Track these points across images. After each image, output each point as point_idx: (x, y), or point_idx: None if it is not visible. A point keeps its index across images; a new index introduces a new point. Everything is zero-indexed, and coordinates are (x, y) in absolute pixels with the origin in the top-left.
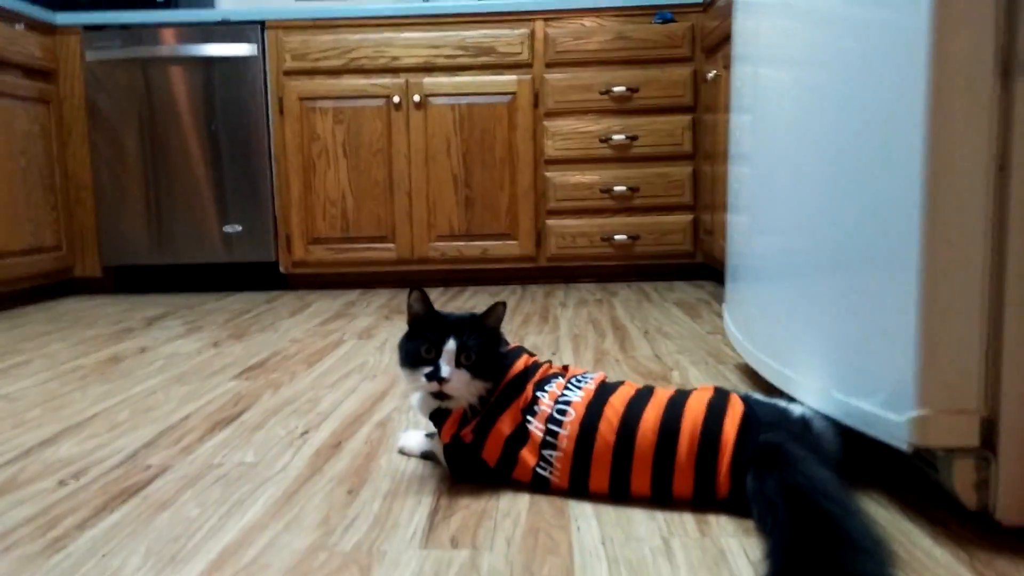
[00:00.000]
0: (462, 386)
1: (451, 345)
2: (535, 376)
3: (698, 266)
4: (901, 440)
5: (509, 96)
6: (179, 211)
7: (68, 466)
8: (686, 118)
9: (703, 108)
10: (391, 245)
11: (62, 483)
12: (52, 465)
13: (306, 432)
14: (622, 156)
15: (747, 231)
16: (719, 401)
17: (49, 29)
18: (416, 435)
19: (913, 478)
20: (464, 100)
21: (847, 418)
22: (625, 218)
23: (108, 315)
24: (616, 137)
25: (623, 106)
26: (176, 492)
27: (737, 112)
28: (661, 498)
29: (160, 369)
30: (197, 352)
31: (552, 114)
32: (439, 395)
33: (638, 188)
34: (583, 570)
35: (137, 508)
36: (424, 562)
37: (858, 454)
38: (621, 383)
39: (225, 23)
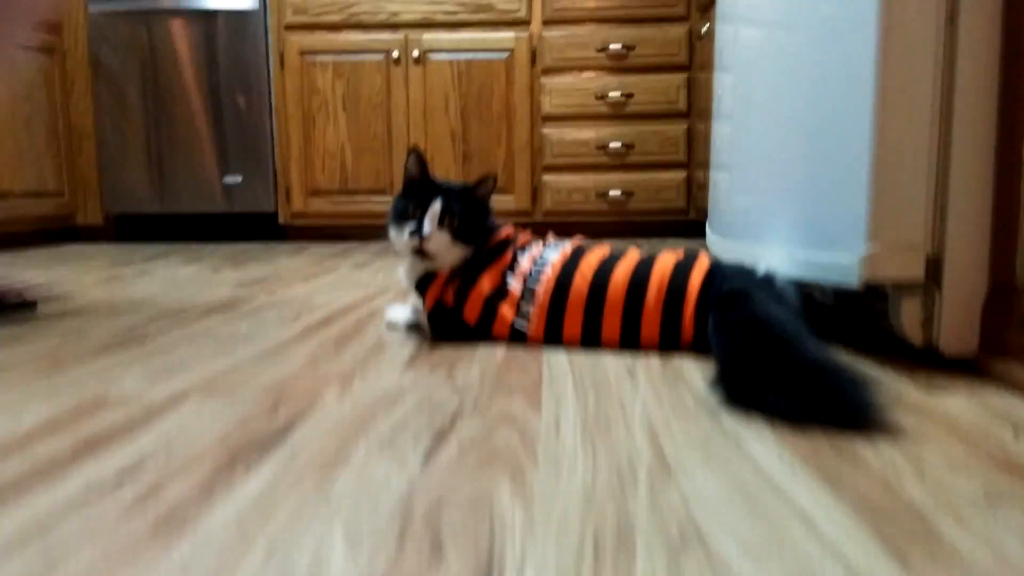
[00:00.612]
0: (442, 246)
1: (437, 206)
2: (517, 243)
3: (691, 222)
4: (854, 278)
5: (507, 53)
6: (180, 161)
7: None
8: (681, 76)
9: (698, 67)
10: (389, 198)
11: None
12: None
13: (298, 316)
14: (618, 113)
15: (728, 151)
16: (687, 258)
17: None
18: (402, 308)
19: (865, 337)
20: (463, 56)
21: (807, 272)
22: (620, 174)
23: (109, 254)
24: (612, 94)
25: (619, 64)
26: (170, 344)
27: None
28: (630, 344)
29: (158, 283)
30: (195, 273)
31: (549, 71)
32: (420, 253)
33: (633, 145)
34: (550, 383)
35: (132, 352)
36: (402, 378)
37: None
38: (597, 247)
39: None
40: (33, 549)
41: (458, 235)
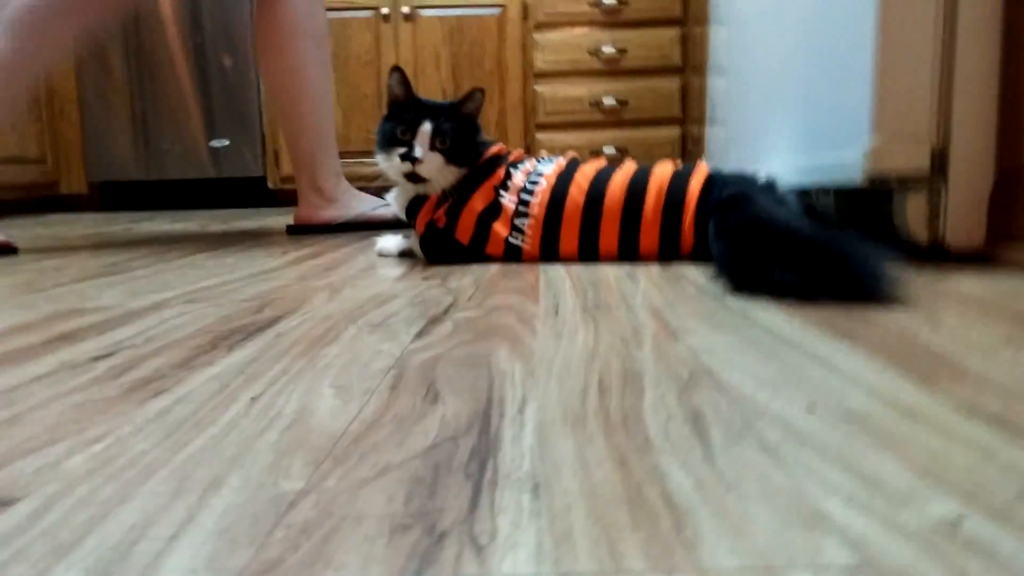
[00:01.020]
0: (435, 169)
1: (427, 127)
2: (509, 158)
3: None
4: (858, 174)
5: (498, 8)
6: (165, 126)
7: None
8: (675, 31)
9: (692, 21)
10: None
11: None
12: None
13: (286, 252)
14: (611, 69)
15: (726, 90)
16: (685, 166)
17: None
18: (393, 237)
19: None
20: (453, 12)
21: (810, 176)
22: (614, 131)
23: (93, 219)
24: (606, 50)
25: (612, 18)
26: (154, 273)
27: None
28: (628, 256)
29: (144, 239)
30: (183, 228)
31: (542, 26)
32: (412, 176)
33: (627, 102)
34: (547, 285)
35: (112, 279)
36: (394, 285)
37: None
38: (592, 160)
39: None
40: None
41: (451, 156)
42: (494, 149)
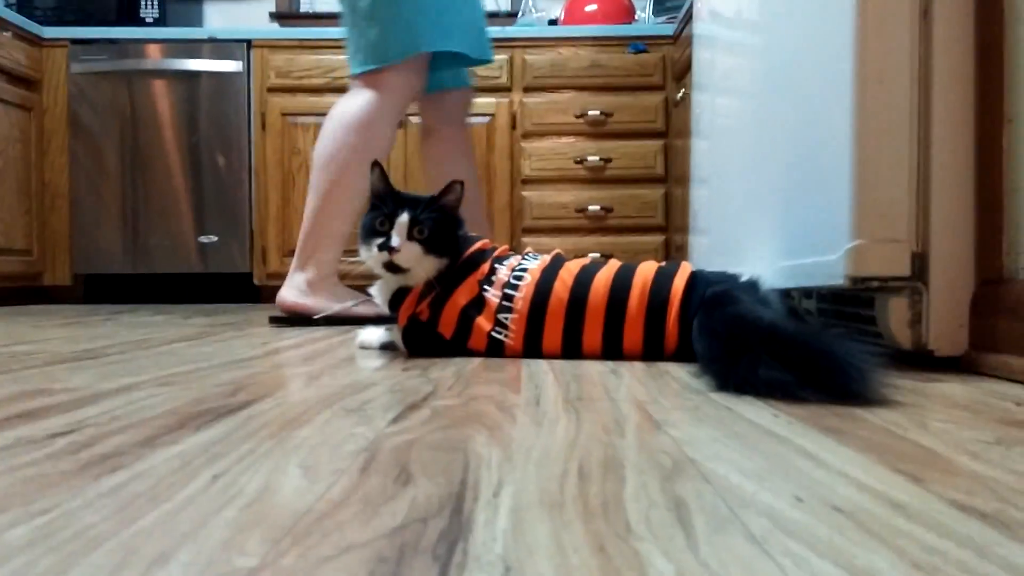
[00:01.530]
0: (414, 259)
1: (404, 218)
2: (494, 254)
3: None
4: (839, 276)
5: (488, 117)
6: (155, 220)
7: None
8: (658, 143)
9: (674, 134)
10: None
11: None
12: None
13: (267, 343)
14: (597, 177)
15: (707, 200)
16: (669, 265)
17: (36, 41)
18: (375, 330)
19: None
20: None
21: (792, 279)
22: (599, 237)
23: (75, 310)
24: (591, 159)
25: (598, 129)
26: (129, 359)
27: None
28: (612, 353)
29: (123, 326)
30: (164, 320)
31: (529, 135)
32: (391, 266)
33: (612, 208)
34: (529, 377)
35: (85, 363)
36: (373, 374)
37: None
38: (576, 258)
39: (212, 40)
40: None
41: (429, 246)
42: (479, 244)
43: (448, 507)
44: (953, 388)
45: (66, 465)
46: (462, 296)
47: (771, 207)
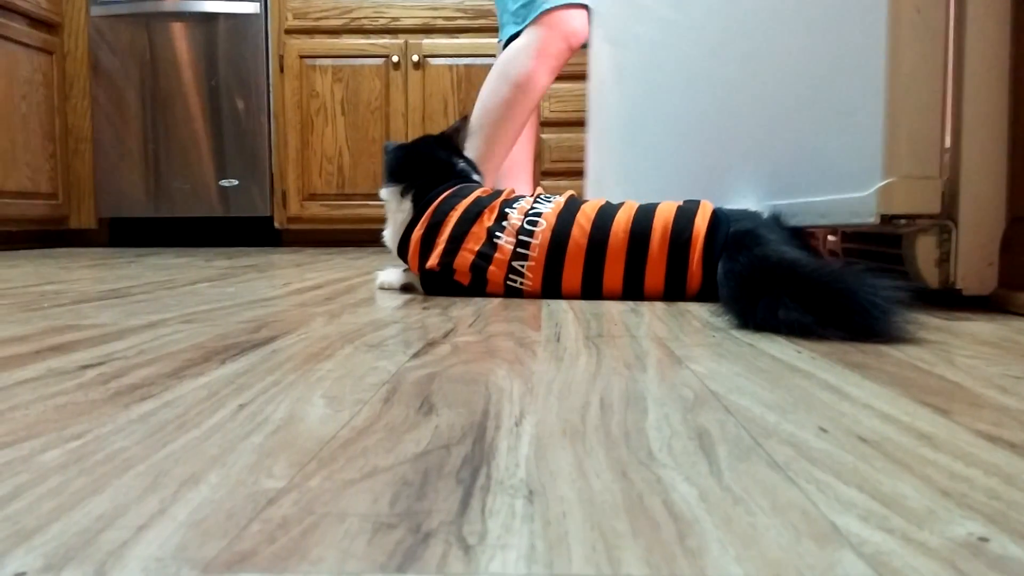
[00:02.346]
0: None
1: None
2: (503, 196)
3: None
4: (869, 214)
5: None
6: (176, 165)
7: None
8: None
9: None
10: None
11: None
12: None
13: (289, 283)
14: None
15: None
16: (690, 204)
17: None
18: (395, 270)
19: None
20: (462, 61)
21: (820, 218)
22: None
23: (100, 253)
24: None
25: None
26: (154, 299)
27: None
28: (633, 294)
29: (147, 267)
30: (187, 262)
31: None
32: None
33: None
34: (549, 315)
35: (111, 301)
36: (393, 312)
37: None
38: (593, 199)
39: None
40: None
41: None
42: (451, 189)
43: (471, 435)
44: (981, 326)
45: (96, 394)
46: (472, 246)
47: (800, 140)
